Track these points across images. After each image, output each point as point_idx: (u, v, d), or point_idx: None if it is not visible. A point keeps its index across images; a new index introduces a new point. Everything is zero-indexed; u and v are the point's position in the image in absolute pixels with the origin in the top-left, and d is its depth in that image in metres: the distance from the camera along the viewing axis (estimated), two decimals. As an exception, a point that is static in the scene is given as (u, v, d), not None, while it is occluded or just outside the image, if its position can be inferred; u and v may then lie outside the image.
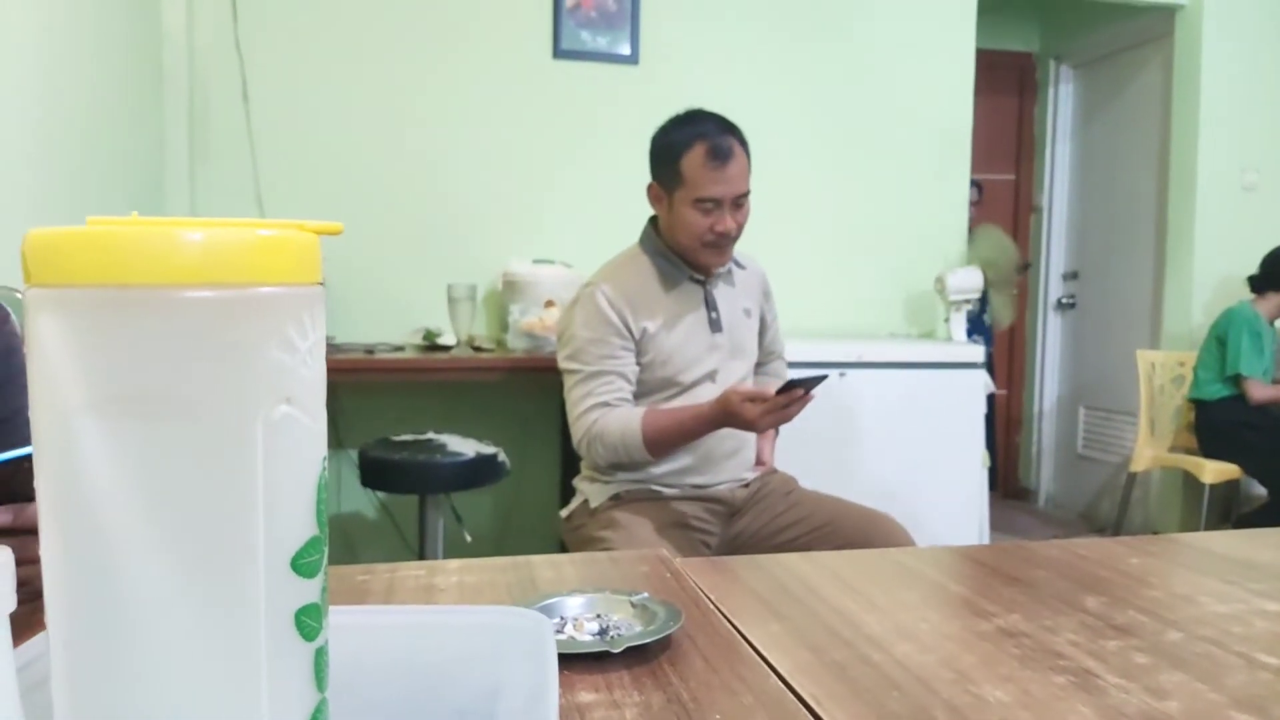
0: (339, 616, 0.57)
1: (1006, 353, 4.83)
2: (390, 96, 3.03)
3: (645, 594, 0.73)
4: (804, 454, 2.55)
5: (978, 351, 3.03)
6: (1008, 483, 4.85)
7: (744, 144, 1.78)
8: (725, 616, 0.74)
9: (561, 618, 0.70)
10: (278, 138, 2.97)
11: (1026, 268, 4.47)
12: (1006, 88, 4.77)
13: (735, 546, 1.83)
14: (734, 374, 1.85)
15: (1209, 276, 3.78)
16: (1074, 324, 4.66)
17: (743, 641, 0.69)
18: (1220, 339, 3.43)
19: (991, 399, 3.69)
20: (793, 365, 2.26)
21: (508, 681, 0.51)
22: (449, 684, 0.51)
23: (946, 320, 3.33)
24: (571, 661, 0.63)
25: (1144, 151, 4.16)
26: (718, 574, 0.86)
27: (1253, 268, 3.54)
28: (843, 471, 2.75)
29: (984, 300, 3.71)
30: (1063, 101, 4.72)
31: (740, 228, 1.78)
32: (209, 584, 0.30)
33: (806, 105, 3.37)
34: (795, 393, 1.59)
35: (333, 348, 2.74)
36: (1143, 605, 0.78)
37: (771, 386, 1.73)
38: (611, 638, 0.66)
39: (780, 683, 0.62)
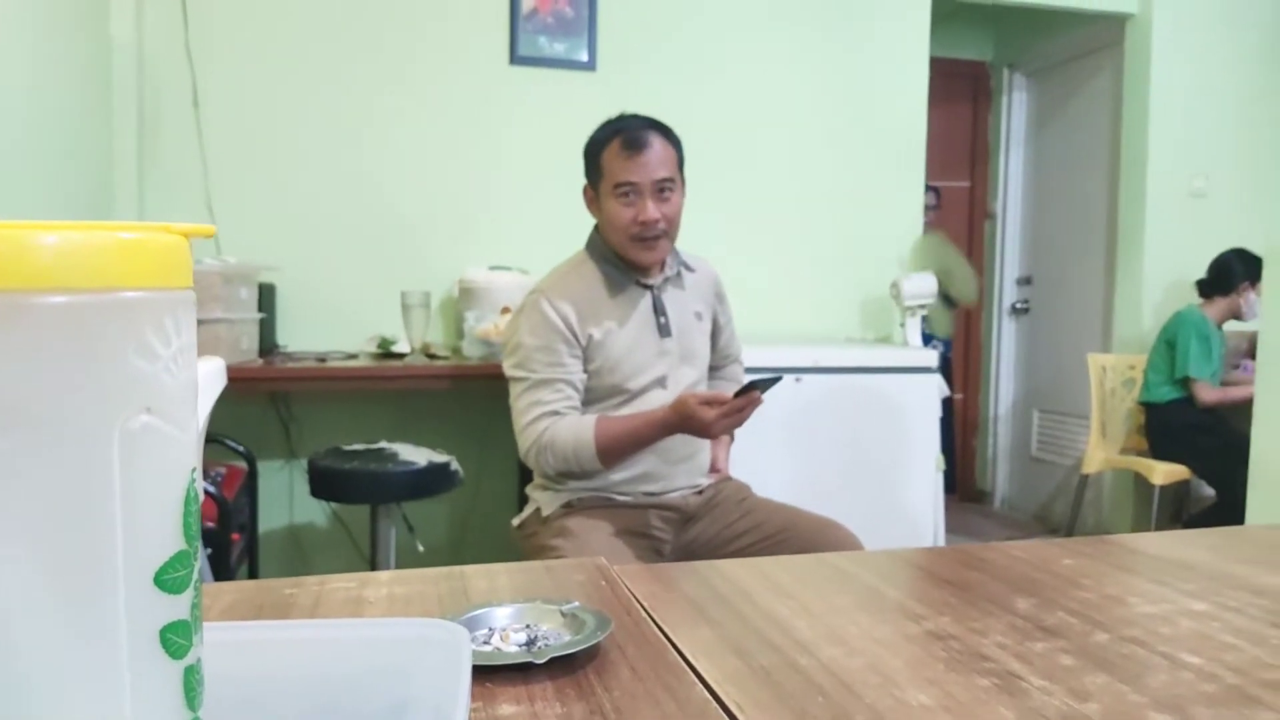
0: (246, 632, 0.56)
1: (963, 357, 4.89)
2: (343, 102, 3.01)
3: (576, 603, 0.72)
4: (760, 459, 2.56)
5: (931, 356, 3.06)
6: (965, 485, 4.90)
7: (670, 139, 1.79)
8: (657, 624, 0.73)
9: (489, 629, 0.69)
10: (229, 144, 2.93)
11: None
12: (961, 95, 4.84)
13: (688, 554, 1.82)
14: (684, 379, 1.85)
15: (1159, 281, 3.85)
16: (1028, 328, 4.72)
17: (672, 649, 0.68)
18: (1170, 342, 3.49)
19: (949, 403, 3.73)
20: (749, 370, 2.27)
21: (418, 695, 0.50)
22: (356, 699, 0.50)
23: (902, 325, 3.36)
24: (495, 673, 0.62)
25: (1095, 158, 4.23)
26: (654, 581, 0.86)
27: (1201, 272, 3.61)
28: (798, 476, 2.76)
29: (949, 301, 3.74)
30: (1016, 109, 4.79)
31: (670, 221, 1.77)
32: (65, 601, 0.29)
33: (762, 112, 3.39)
34: (752, 395, 1.60)
35: (284, 356, 2.70)
36: (1072, 607, 0.78)
37: (728, 390, 1.73)
38: (538, 648, 0.65)
39: (705, 690, 0.61)
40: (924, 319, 3.37)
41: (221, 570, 2.14)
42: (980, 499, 4.90)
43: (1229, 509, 3.34)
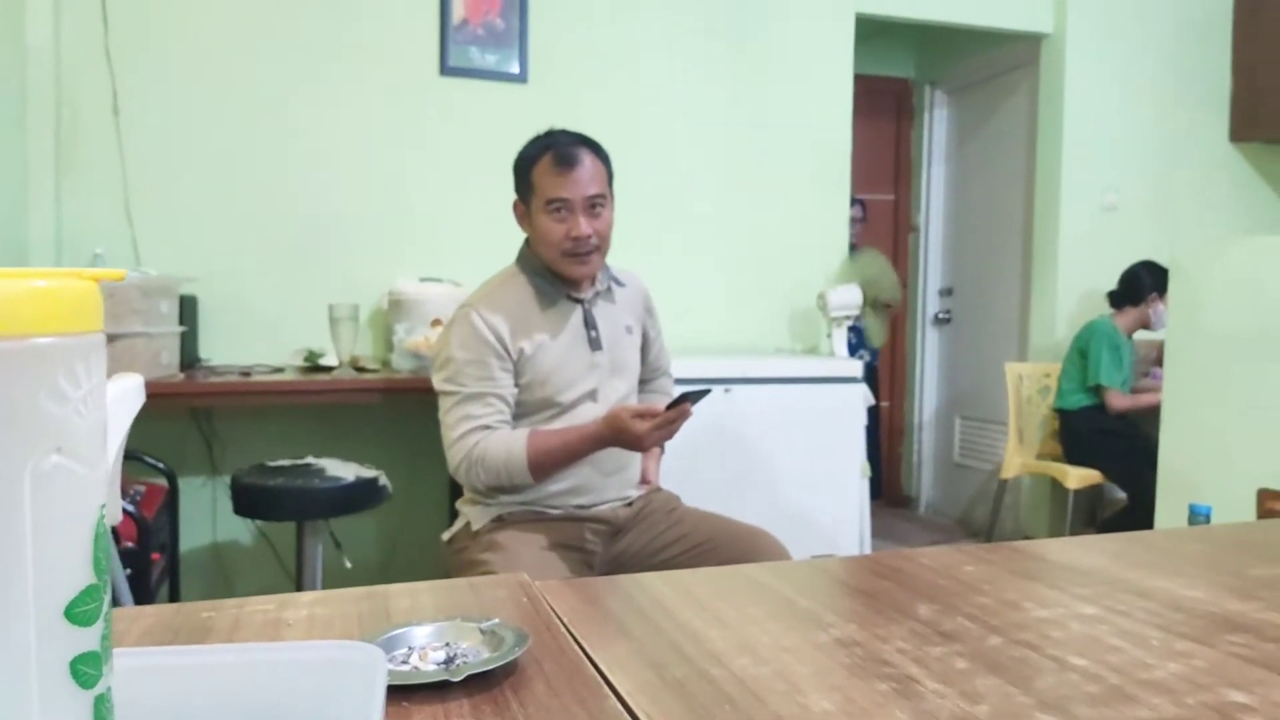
0: (161, 657, 0.56)
1: (889, 366, 5.01)
2: (269, 109, 2.97)
3: (496, 620, 0.74)
4: (691, 470, 2.59)
5: (857, 366, 3.14)
6: (891, 491, 5.01)
7: (600, 155, 1.81)
8: (575, 639, 0.75)
9: (409, 648, 0.70)
10: (150, 152, 2.87)
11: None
12: (885, 111, 4.97)
13: (618, 565, 1.85)
14: (615, 392, 1.87)
15: (1072, 292, 4.01)
16: (950, 338, 4.86)
17: (588, 663, 0.70)
18: (1082, 351, 3.63)
19: (875, 411, 3.83)
20: (680, 382, 2.30)
21: (333, 718, 0.51)
22: (272, 722, 0.51)
23: (828, 336, 3.44)
24: (413, 692, 0.63)
25: (1013, 173, 4.39)
26: (576, 596, 0.88)
27: (1112, 283, 3.77)
28: (728, 485, 2.80)
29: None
30: (937, 125, 4.94)
31: (601, 236, 1.80)
32: (-25, 636, 0.30)
33: (693, 126, 3.44)
34: (683, 407, 1.63)
35: (206, 370, 2.65)
36: (970, 612, 0.82)
37: (658, 403, 1.76)
38: (455, 666, 0.66)
39: (618, 703, 0.63)
40: (858, 330, 3.45)
41: (141, 591, 2.09)
42: (906, 504, 5.03)
43: (1140, 511, 3.48)
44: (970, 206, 4.74)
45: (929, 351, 4.96)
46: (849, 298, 3.37)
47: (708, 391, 1.66)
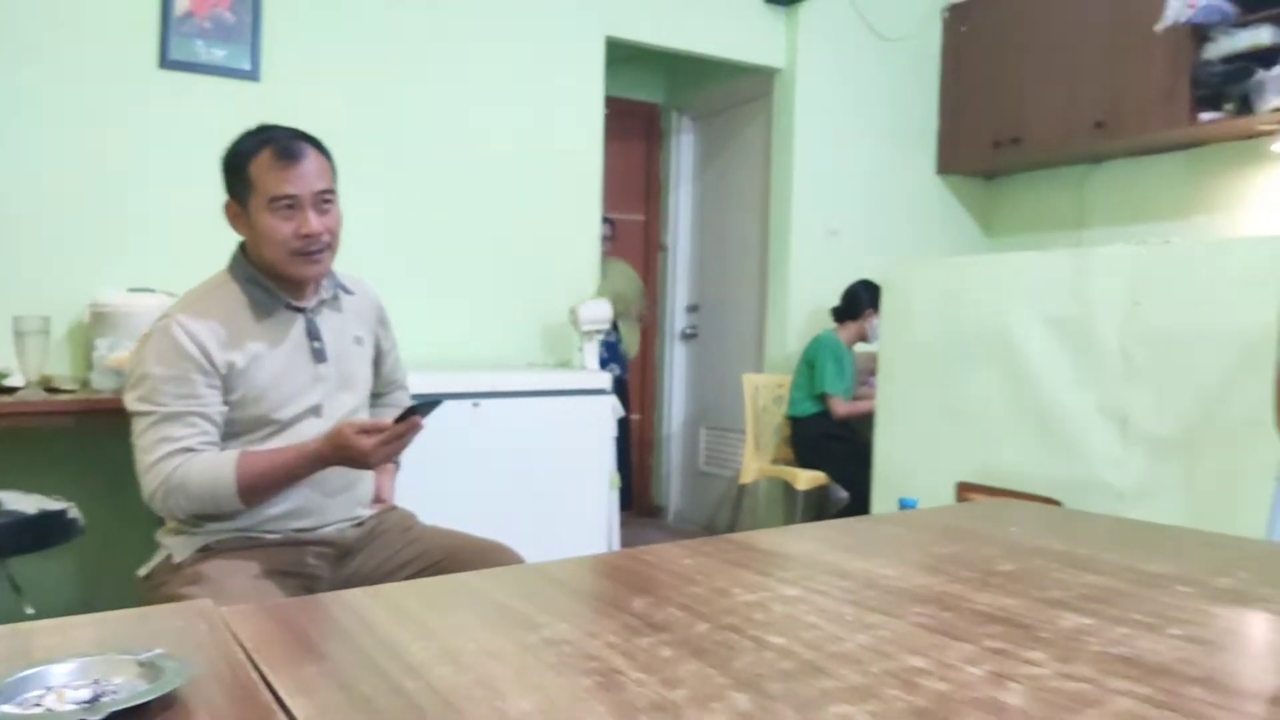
0: None
1: (640, 379, 5.14)
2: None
3: (159, 650, 0.65)
4: (435, 486, 2.50)
5: (606, 379, 3.18)
6: (642, 501, 5.13)
7: (323, 151, 1.71)
8: (255, 665, 0.68)
9: (45, 689, 0.61)
10: None
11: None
12: (635, 134, 5.11)
13: (347, 589, 1.73)
14: (343, 406, 1.76)
15: (801, 308, 4.29)
16: (696, 352, 5.07)
17: (265, 690, 0.63)
18: (810, 363, 3.90)
19: (626, 423, 3.90)
20: (421, 397, 2.21)
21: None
22: None
23: (580, 349, 3.47)
24: (41, 738, 0.54)
25: (750, 197, 4.64)
26: (268, 620, 0.80)
27: (835, 300, 4.07)
28: (476, 500, 2.74)
29: (617, 329, 3.93)
30: (684, 149, 5.15)
31: (332, 233, 1.69)
32: None
33: (440, 136, 3.35)
34: (413, 420, 1.55)
35: None
36: (683, 602, 0.83)
37: (389, 417, 1.67)
38: (99, 704, 0.58)
39: (294, 727, 0.57)
40: (611, 345, 3.50)
41: None
42: (656, 513, 5.16)
43: (859, 508, 3.78)
44: (714, 228, 4.97)
45: (677, 365, 5.13)
46: (599, 312, 3.42)
47: (439, 402, 1.59)
